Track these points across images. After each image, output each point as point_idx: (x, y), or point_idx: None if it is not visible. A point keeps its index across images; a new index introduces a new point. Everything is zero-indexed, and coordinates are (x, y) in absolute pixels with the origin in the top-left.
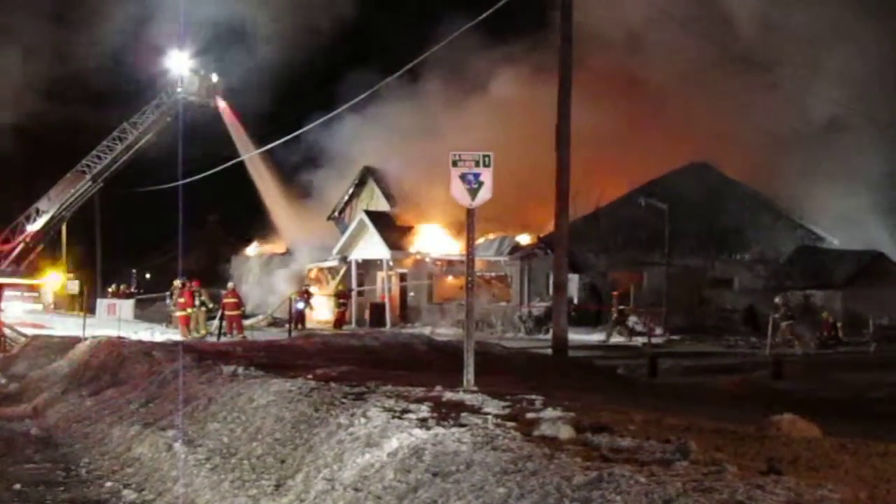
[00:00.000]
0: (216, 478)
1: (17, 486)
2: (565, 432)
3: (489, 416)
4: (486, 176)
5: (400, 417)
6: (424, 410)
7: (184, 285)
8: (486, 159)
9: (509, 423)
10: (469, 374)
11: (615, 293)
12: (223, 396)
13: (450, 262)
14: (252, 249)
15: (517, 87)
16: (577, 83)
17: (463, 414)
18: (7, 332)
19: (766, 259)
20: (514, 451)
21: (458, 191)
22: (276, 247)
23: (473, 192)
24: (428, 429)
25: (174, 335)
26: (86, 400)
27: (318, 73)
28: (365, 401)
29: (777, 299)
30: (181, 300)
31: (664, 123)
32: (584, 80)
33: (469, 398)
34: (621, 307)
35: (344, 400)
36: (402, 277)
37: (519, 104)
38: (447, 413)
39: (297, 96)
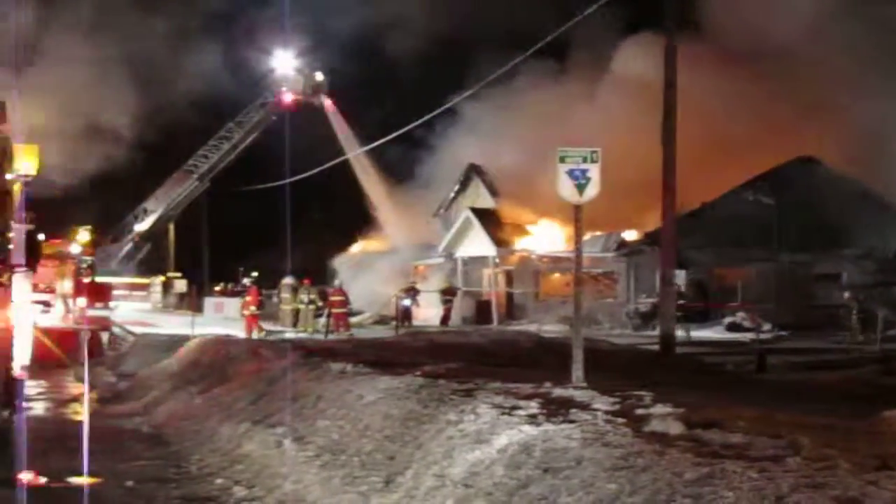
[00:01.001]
0: (326, 474)
1: (129, 483)
2: (675, 428)
3: (598, 413)
4: (594, 172)
5: (509, 414)
6: (533, 407)
7: (252, 284)
8: (594, 155)
9: (619, 420)
10: (578, 371)
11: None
12: (331, 393)
13: (556, 259)
14: (357, 247)
15: (625, 81)
16: (683, 75)
17: (572, 410)
18: (116, 330)
19: (874, 254)
20: (625, 447)
21: (566, 187)
22: (380, 244)
23: (581, 189)
24: (537, 425)
25: (282, 333)
26: (195, 397)
27: (424, 69)
28: (473, 397)
29: (846, 294)
30: (247, 298)
31: (771, 117)
32: (692, 72)
33: (578, 394)
34: (680, 302)
35: (452, 396)
36: (508, 274)
37: (625, 98)
38: (556, 409)
39: (403, 93)
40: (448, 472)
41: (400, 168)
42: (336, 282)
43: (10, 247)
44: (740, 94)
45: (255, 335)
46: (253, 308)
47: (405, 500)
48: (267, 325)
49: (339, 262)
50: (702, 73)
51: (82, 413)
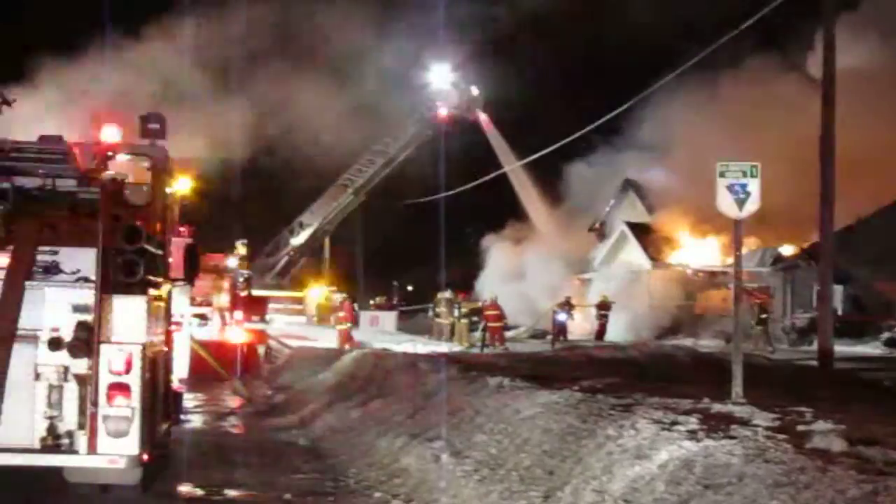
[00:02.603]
0: (484, 489)
1: (287, 497)
2: (837, 445)
3: (759, 429)
4: (754, 186)
5: (669, 429)
6: (693, 422)
7: (346, 300)
8: (754, 170)
9: (780, 436)
10: (737, 387)
11: (758, 300)
12: (489, 408)
13: (711, 274)
14: (512, 261)
15: (781, 92)
16: (843, 85)
17: (732, 426)
18: (272, 344)
19: None
20: (786, 464)
21: (725, 201)
22: (535, 257)
23: (741, 203)
24: (698, 441)
25: (437, 346)
26: (352, 411)
27: (581, 82)
28: (632, 412)
29: None
30: (341, 314)
31: None
32: (851, 81)
33: (737, 410)
34: (763, 315)
35: (611, 412)
36: (664, 289)
37: (781, 111)
38: (716, 425)
39: (560, 108)
40: (608, 487)
41: (556, 182)
42: (491, 295)
43: (170, 261)
44: None
45: (347, 349)
46: (347, 324)
47: None
48: (422, 339)
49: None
50: (870, 67)
51: (240, 426)
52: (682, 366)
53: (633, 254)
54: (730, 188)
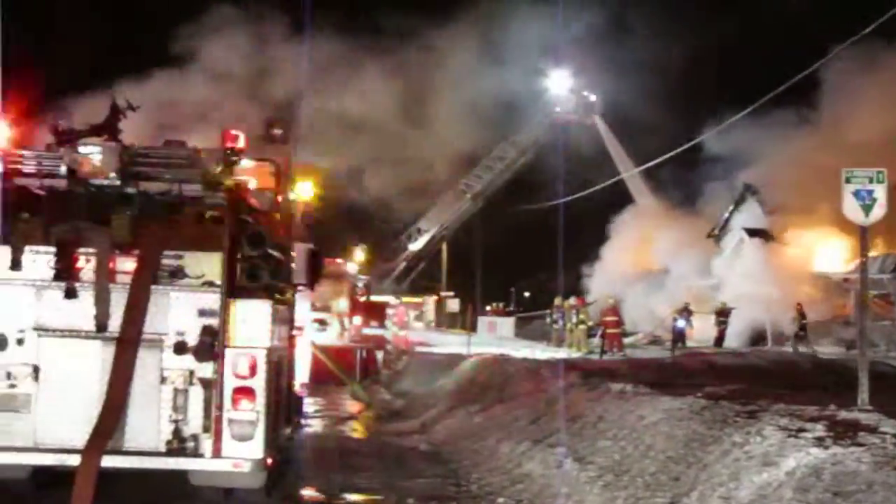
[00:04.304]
0: (608, 495)
1: (410, 501)
2: None
3: (887, 436)
4: (880, 192)
5: (795, 436)
6: (820, 429)
7: (400, 304)
8: (880, 175)
9: None
10: (864, 394)
11: (798, 306)
12: (612, 414)
13: (833, 280)
14: (629, 266)
15: None
16: None
17: (860, 433)
18: (391, 349)
19: None
20: None
21: (851, 208)
22: (652, 263)
23: (867, 209)
24: (825, 448)
25: (555, 353)
26: (473, 416)
27: (701, 89)
28: (758, 419)
29: None
30: (394, 319)
31: None
32: None
33: (864, 417)
34: (804, 321)
35: (736, 418)
36: (783, 295)
37: None
38: (843, 432)
39: (681, 111)
40: (735, 494)
41: (675, 189)
42: (609, 301)
43: (293, 266)
44: None
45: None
46: (396, 329)
47: None
48: (540, 345)
49: (612, 282)
50: None
51: (360, 430)
52: (804, 372)
53: (753, 259)
54: (856, 194)
